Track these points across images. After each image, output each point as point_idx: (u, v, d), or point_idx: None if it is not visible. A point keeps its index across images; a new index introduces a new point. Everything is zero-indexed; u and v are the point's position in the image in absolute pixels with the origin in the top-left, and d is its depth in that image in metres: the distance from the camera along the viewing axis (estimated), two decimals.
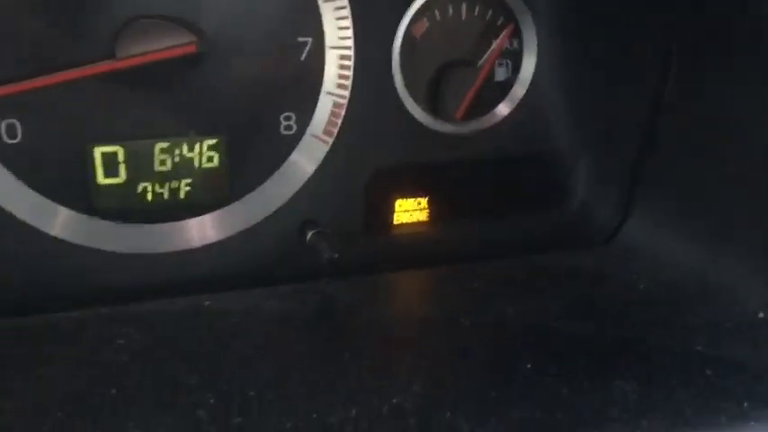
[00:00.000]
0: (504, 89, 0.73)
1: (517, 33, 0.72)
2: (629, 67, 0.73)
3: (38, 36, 0.57)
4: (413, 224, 0.74)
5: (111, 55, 0.59)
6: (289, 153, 0.67)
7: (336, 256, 0.65)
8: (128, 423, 0.46)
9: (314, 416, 0.48)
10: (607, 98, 0.75)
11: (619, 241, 0.75)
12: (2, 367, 0.53)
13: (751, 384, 0.52)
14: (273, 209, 0.68)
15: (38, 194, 0.61)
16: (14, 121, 0.58)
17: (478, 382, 0.52)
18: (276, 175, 0.67)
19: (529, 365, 0.54)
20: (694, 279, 0.67)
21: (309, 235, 0.67)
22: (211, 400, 0.49)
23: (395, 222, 0.73)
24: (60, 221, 0.62)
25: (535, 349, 0.56)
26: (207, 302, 0.62)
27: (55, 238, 0.62)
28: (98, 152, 0.62)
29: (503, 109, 0.73)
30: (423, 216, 0.74)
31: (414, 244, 0.73)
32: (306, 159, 0.68)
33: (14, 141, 0.59)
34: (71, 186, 0.62)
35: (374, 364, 0.54)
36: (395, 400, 0.49)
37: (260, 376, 0.52)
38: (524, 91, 0.73)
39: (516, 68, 0.73)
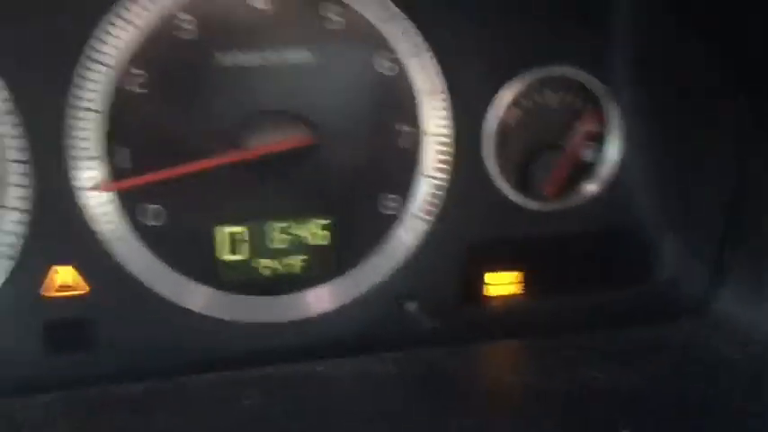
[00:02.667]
0: (591, 169, 0.78)
1: (602, 117, 0.77)
2: (715, 143, 0.77)
3: (181, 132, 0.67)
4: (506, 296, 0.78)
5: (239, 146, 0.67)
6: (391, 231, 0.74)
7: (436, 325, 0.70)
8: None
9: None
10: (692, 174, 0.78)
11: (709, 313, 0.77)
12: (140, 421, 0.60)
13: None
14: (376, 282, 0.74)
15: (174, 271, 0.69)
16: (158, 206, 0.67)
17: None
18: (379, 250, 0.74)
19: (624, 430, 0.56)
20: None
21: (410, 306, 0.73)
22: None
23: (489, 295, 0.78)
24: (193, 295, 0.70)
25: (629, 413, 0.59)
26: (319, 368, 0.68)
27: (188, 311, 0.70)
28: (226, 232, 0.70)
29: (590, 187, 0.78)
30: (515, 289, 0.78)
31: (507, 316, 0.77)
32: (406, 236, 0.74)
33: (158, 224, 0.68)
34: (202, 263, 0.70)
35: (474, 423, 0.58)
36: None
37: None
38: (610, 170, 0.78)
39: (602, 149, 0.78)
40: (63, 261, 0.66)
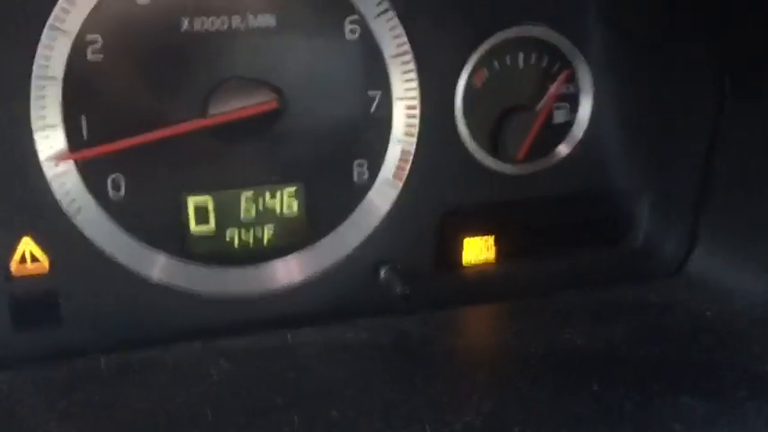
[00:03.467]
0: (563, 130, 0.77)
1: (573, 78, 0.76)
2: (685, 104, 0.76)
3: (140, 100, 0.65)
4: (480, 262, 0.77)
5: (202, 113, 0.66)
6: (362, 198, 0.73)
7: (408, 291, 0.69)
8: None
9: None
10: (665, 134, 0.77)
11: (685, 273, 0.76)
12: (108, 394, 0.58)
13: None
14: (349, 250, 0.73)
15: (138, 242, 0.68)
16: (120, 175, 0.66)
17: (546, 401, 0.54)
18: (350, 218, 0.73)
19: (596, 386, 0.56)
20: (764, 307, 0.68)
21: (383, 273, 0.72)
22: (296, 418, 0.53)
23: (463, 260, 0.77)
24: (158, 266, 0.69)
25: (602, 372, 0.58)
26: (289, 336, 0.66)
27: (153, 282, 0.68)
28: (191, 202, 0.68)
29: (563, 149, 0.77)
30: (490, 254, 0.77)
31: (482, 281, 0.76)
32: (378, 203, 0.73)
33: (121, 195, 0.66)
34: (167, 234, 0.68)
35: (446, 386, 0.57)
36: (467, 418, 0.52)
37: (340, 397, 0.56)
38: (583, 132, 0.77)
39: (574, 110, 0.76)
40: (23, 234, 0.64)
